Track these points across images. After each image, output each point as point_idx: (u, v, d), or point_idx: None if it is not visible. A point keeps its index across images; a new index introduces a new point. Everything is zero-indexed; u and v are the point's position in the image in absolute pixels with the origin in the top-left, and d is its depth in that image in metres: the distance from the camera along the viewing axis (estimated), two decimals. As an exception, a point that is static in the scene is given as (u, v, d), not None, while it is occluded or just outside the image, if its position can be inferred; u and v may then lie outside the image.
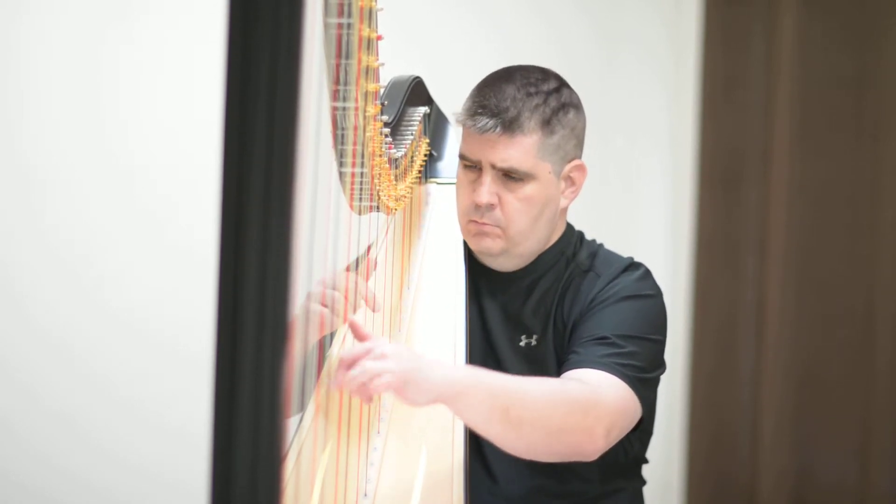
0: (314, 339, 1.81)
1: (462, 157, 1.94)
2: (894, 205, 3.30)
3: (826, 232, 3.37)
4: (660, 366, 1.90)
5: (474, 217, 1.92)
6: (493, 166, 1.89)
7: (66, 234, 2.93)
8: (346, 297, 1.78)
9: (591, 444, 1.73)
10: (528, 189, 1.90)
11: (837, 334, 3.36)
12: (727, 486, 3.47)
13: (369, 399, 1.59)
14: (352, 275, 1.79)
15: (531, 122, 1.88)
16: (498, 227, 1.91)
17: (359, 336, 1.63)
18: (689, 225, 3.54)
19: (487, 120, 1.88)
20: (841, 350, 3.35)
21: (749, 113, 3.46)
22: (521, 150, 1.88)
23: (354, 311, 1.79)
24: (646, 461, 2.04)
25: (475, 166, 1.92)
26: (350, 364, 1.56)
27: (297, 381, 1.79)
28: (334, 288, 1.78)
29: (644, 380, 1.83)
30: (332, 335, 1.88)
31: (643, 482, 2.06)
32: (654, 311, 1.92)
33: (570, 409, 1.71)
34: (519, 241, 1.93)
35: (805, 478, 3.38)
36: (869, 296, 3.33)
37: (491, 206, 1.90)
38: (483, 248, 1.94)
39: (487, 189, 1.90)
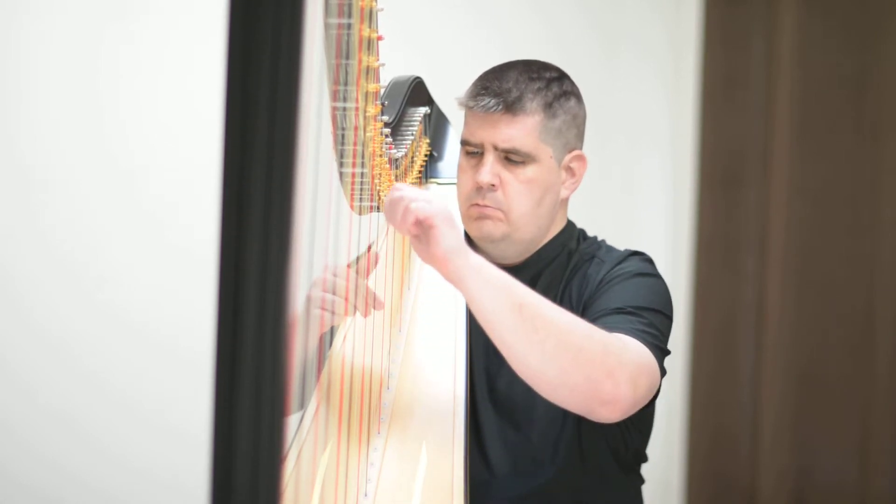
0: (314, 338, 1.82)
1: (464, 142, 1.95)
2: (894, 205, 3.30)
3: (826, 232, 3.37)
4: (667, 344, 1.87)
5: (476, 200, 1.93)
6: (496, 147, 1.90)
7: (66, 234, 2.93)
8: (346, 300, 1.78)
9: (610, 386, 1.63)
10: (530, 171, 1.91)
11: (837, 334, 3.36)
12: (727, 486, 3.47)
13: (401, 227, 1.58)
14: (352, 275, 1.79)
15: (533, 104, 1.90)
16: (499, 209, 1.92)
17: None
18: (689, 225, 3.54)
19: (490, 99, 1.89)
20: (841, 350, 3.36)
21: (749, 113, 3.46)
22: (523, 130, 1.90)
23: (354, 313, 1.79)
24: (645, 459, 2.04)
25: (477, 151, 1.93)
26: (396, 188, 1.59)
27: (298, 379, 1.79)
28: (334, 292, 1.78)
29: (662, 349, 1.80)
30: (332, 332, 1.89)
31: (642, 480, 2.06)
32: (664, 289, 1.92)
33: (591, 336, 1.64)
34: (520, 226, 1.93)
35: (805, 478, 3.38)
36: (869, 296, 3.33)
37: (492, 188, 1.91)
38: (484, 232, 1.94)
39: (489, 169, 1.90)
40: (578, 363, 1.61)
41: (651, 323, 1.80)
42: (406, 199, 1.57)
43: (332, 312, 1.78)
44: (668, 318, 1.88)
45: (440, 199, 1.60)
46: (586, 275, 1.95)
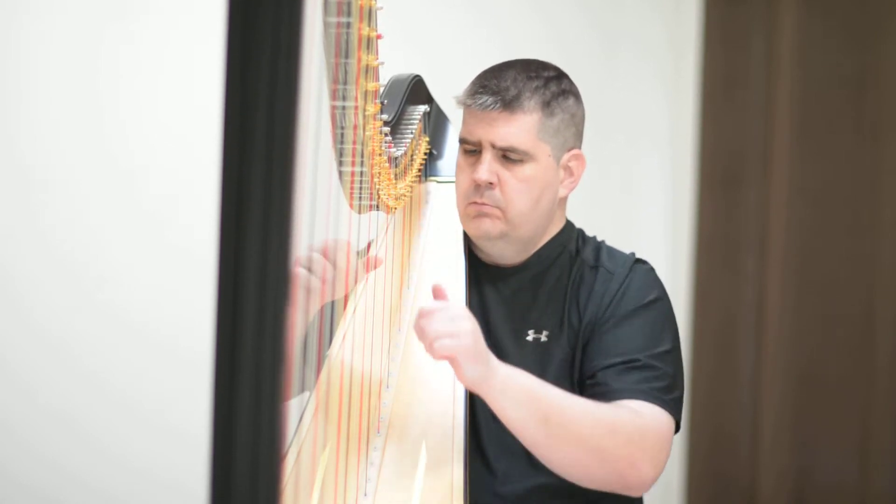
0: (313, 308, 1.83)
1: (462, 140, 1.95)
2: (894, 205, 3.30)
3: (826, 232, 3.37)
4: (682, 378, 1.93)
5: (474, 198, 1.92)
6: (493, 145, 1.90)
7: (66, 234, 2.93)
8: (346, 279, 1.80)
9: (635, 475, 1.76)
10: (528, 170, 1.90)
11: (837, 334, 3.36)
12: (727, 486, 3.47)
13: (435, 357, 1.68)
14: (351, 254, 1.81)
15: (531, 102, 1.89)
16: (497, 208, 1.91)
17: (438, 295, 1.72)
18: (689, 225, 3.54)
19: (488, 97, 1.89)
20: (841, 350, 3.35)
21: (749, 113, 3.46)
22: (521, 128, 1.89)
23: (356, 282, 1.81)
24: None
25: (475, 149, 1.92)
26: (424, 315, 1.66)
27: (297, 360, 1.79)
28: (334, 265, 1.80)
29: (678, 399, 1.87)
30: (331, 333, 1.88)
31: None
32: (670, 314, 1.95)
33: (613, 432, 1.75)
34: (518, 224, 1.92)
35: (805, 478, 3.38)
36: (869, 296, 3.33)
37: (490, 185, 1.90)
38: (482, 231, 1.93)
39: (487, 167, 1.90)
40: (602, 461, 1.74)
41: (665, 372, 1.85)
42: (430, 336, 1.66)
43: (332, 285, 1.80)
44: (678, 347, 1.93)
45: (465, 328, 1.66)
46: (593, 288, 1.94)
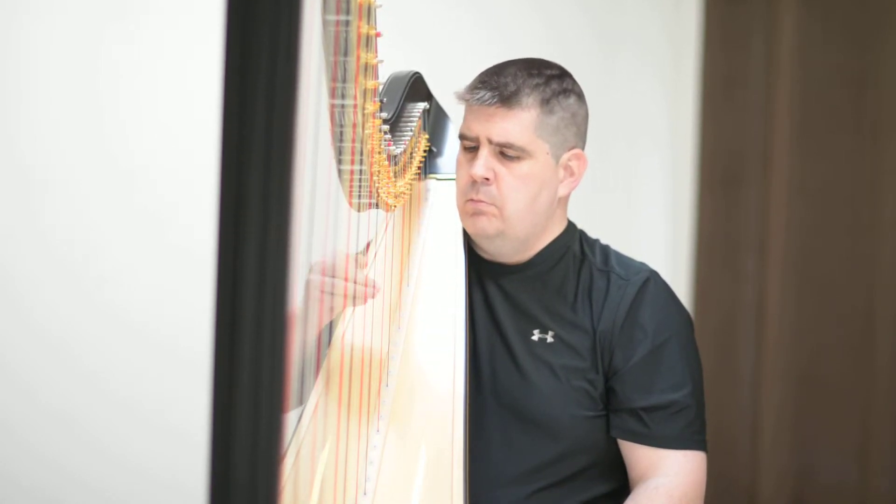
0: (314, 325, 1.82)
1: (461, 136, 1.95)
2: (894, 205, 3.30)
3: (826, 232, 3.37)
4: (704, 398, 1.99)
5: (471, 195, 1.92)
6: (490, 141, 1.90)
7: (66, 234, 2.93)
8: (346, 279, 1.79)
9: None
10: (525, 167, 1.90)
11: (837, 334, 3.36)
12: (727, 486, 3.47)
13: None
14: (350, 260, 1.80)
15: (530, 98, 1.89)
16: (494, 205, 1.91)
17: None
18: (689, 225, 3.54)
19: (486, 92, 1.89)
20: (841, 350, 3.35)
21: (749, 113, 3.46)
22: (518, 124, 1.89)
23: (354, 301, 1.80)
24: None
25: (474, 145, 1.92)
26: None
27: (297, 375, 1.79)
28: (333, 275, 1.79)
29: (705, 426, 1.93)
30: (330, 331, 1.88)
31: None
32: (691, 334, 1.98)
33: None
34: (514, 223, 1.92)
35: (805, 478, 3.38)
36: (869, 296, 3.33)
37: (487, 181, 1.90)
38: (479, 228, 1.93)
39: (484, 163, 1.90)
40: None
41: (699, 412, 1.91)
42: None
43: (332, 294, 1.79)
44: (701, 367, 1.97)
45: None
46: (607, 293, 1.94)
